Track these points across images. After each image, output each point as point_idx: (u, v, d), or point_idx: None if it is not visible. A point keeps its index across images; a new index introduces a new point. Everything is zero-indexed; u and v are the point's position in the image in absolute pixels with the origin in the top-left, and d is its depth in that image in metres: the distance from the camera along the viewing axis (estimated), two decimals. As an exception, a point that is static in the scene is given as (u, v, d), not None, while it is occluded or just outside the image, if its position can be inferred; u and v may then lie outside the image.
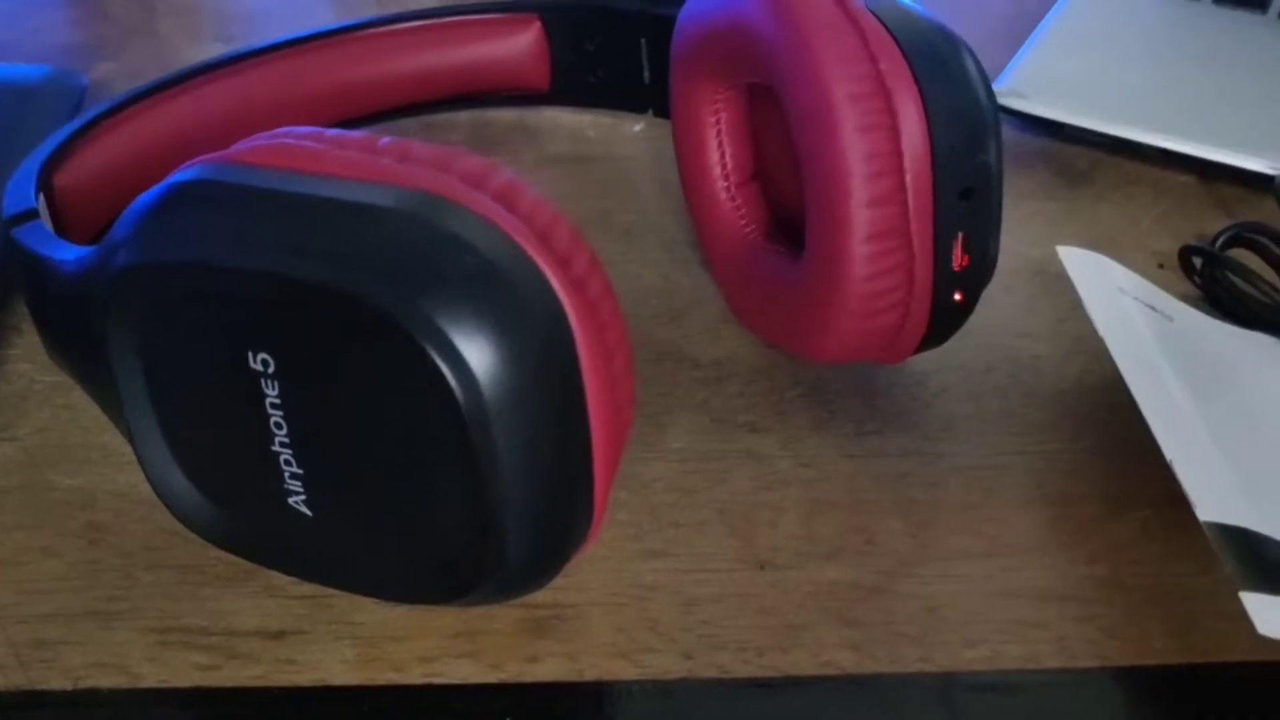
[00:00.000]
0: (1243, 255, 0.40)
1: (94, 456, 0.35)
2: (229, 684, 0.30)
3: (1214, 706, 0.30)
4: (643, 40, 0.45)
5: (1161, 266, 0.42)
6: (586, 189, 0.45)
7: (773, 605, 0.32)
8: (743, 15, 0.33)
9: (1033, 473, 0.35)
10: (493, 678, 0.30)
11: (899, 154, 0.31)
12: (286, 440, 0.27)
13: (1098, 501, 0.34)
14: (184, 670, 0.30)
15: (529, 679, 0.30)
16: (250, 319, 0.26)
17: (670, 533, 0.33)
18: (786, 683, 0.30)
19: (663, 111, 0.41)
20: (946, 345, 0.35)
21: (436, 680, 0.30)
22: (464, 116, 0.48)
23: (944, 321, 0.33)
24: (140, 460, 0.29)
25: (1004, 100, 0.47)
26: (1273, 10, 0.51)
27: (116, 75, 0.51)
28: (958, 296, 0.33)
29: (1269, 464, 0.32)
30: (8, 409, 0.37)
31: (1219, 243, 0.40)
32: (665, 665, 0.30)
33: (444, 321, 0.24)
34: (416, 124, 0.46)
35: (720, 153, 0.39)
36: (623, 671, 0.30)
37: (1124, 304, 0.36)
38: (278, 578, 0.31)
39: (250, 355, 0.26)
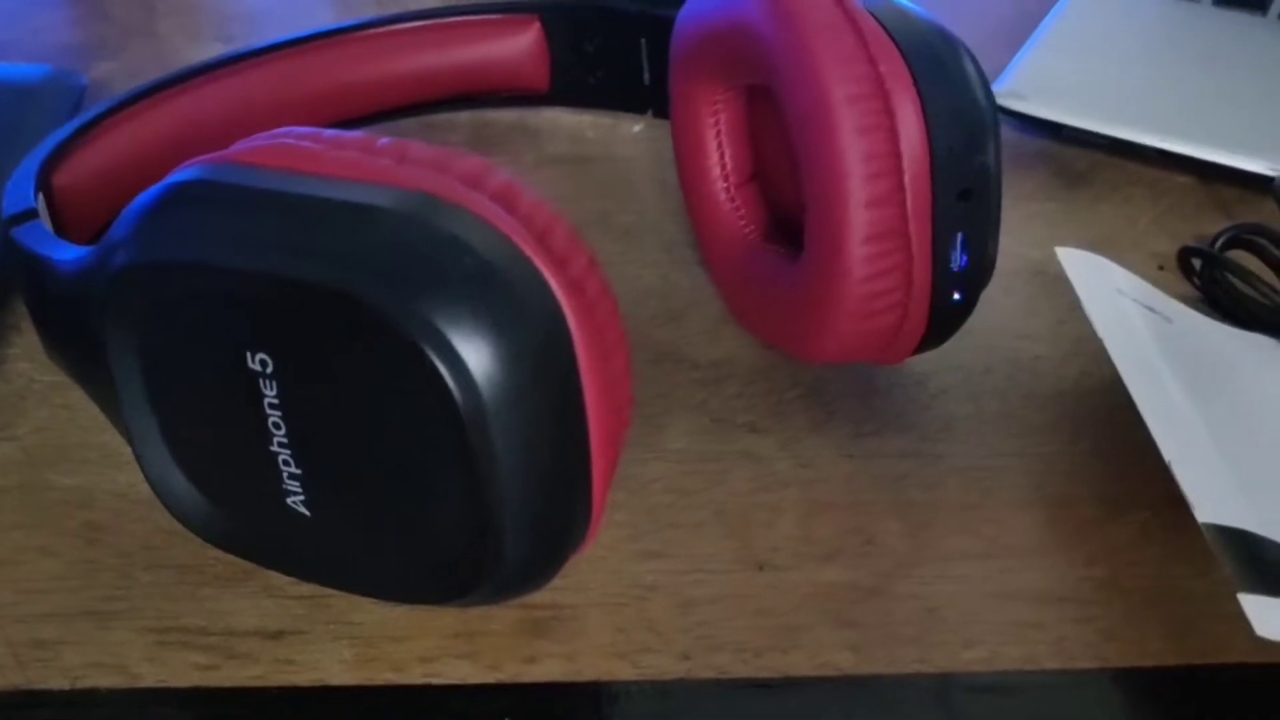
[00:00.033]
0: (1242, 257, 0.40)
1: (92, 456, 0.35)
2: (227, 684, 0.30)
3: (1212, 708, 0.30)
4: (642, 41, 0.45)
5: (1161, 268, 0.42)
6: (586, 189, 0.45)
7: (771, 606, 0.32)
8: (742, 16, 0.33)
9: (1031, 474, 0.35)
10: (491, 678, 0.30)
11: (897, 155, 0.31)
12: (285, 440, 0.27)
13: (1096, 503, 0.34)
14: (182, 670, 0.30)
15: (527, 679, 0.30)
16: (248, 319, 0.26)
17: (668, 533, 0.33)
18: (784, 683, 0.30)
19: (662, 112, 0.41)
20: (946, 346, 0.35)
21: (435, 680, 0.30)
22: (464, 117, 0.48)
23: (942, 322, 0.33)
24: (139, 460, 0.29)
25: (1003, 101, 0.47)
26: (1273, 11, 0.51)
27: (116, 75, 0.51)
28: (956, 297, 0.33)
29: (1268, 465, 0.32)
30: (6, 408, 0.37)
31: (1218, 244, 0.40)
32: (663, 666, 0.30)
33: (442, 322, 0.24)
34: (417, 124, 0.46)
35: (719, 153, 0.39)
36: (621, 672, 0.30)
37: (1123, 305, 0.36)
38: (276, 578, 0.31)
39: (249, 355, 0.26)
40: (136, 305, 0.27)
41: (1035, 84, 0.48)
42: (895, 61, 0.31)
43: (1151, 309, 0.36)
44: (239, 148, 0.27)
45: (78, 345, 0.30)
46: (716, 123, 0.38)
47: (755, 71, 0.34)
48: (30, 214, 0.33)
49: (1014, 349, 0.39)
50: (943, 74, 0.31)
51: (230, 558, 0.30)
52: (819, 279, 0.32)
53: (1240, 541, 0.29)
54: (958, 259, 0.32)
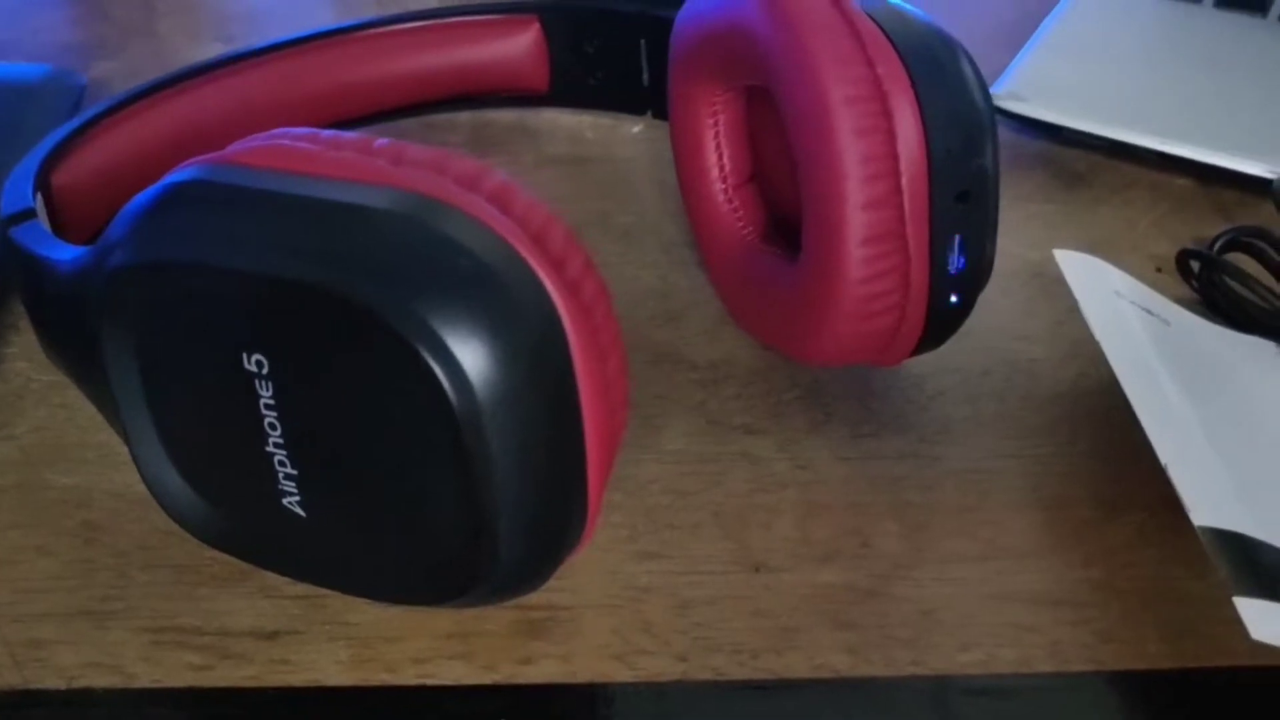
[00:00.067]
0: (1240, 259, 0.40)
1: (90, 456, 0.35)
2: (223, 684, 0.30)
3: (1208, 711, 0.30)
4: (642, 42, 0.45)
5: (1159, 270, 0.42)
6: (585, 190, 0.45)
7: (767, 608, 0.32)
8: (740, 17, 0.33)
9: (1029, 476, 0.35)
10: (486, 679, 0.30)
11: (895, 157, 0.31)
12: (281, 441, 0.27)
13: (1093, 505, 0.34)
14: (178, 670, 0.30)
15: (522, 680, 0.30)
16: (245, 320, 0.26)
17: (665, 534, 0.33)
18: (781, 685, 0.30)
19: (662, 113, 0.41)
20: (944, 348, 0.35)
21: (430, 681, 0.30)
22: (463, 117, 0.48)
23: (940, 324, 0.33)
24: (135, 460, 0.29)
25: (1003, 103, 0.47)
26: (1273, 13, 0.51)
27: (116, 74, 0.51)
28: (954, 299, 0.33)
29: (1264, 468, 0.32)
30: (4, 408, 0.37)
31: (1216, 246, 0.40)
32: (659, 667, 0.30)
33: (437, 323, 0.24)
34: (416, 125, 0.46)
35: (718, 155, 0.39)
36: (617, 674, 0.30)
37: (1120, 308, 0.36)
38: (273, 578, 0.31)
39: (245, 356, 0.26)
40: (133, 305, 0.27)
41: (1035, 85, 0.47)
42: (893, 63, 0.31)
43: (1149, 311, 0.36)
44: (236, 148, 0.27)
45: (75, 345, 0.30)
46: (715, 124, 0.38)
47: (753, 73, 0.34)
48: (28, 214, 0.33)
49: (1012, 351, 0.39)
50: (941, 76, 0.31)
51: (226, 558, 0.30)
52: (816, 280, 0.32)
53: (1236, 545, 0.29)
54: (955, 261, 0.32)
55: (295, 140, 0.27)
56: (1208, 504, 0.30)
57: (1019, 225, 0.43)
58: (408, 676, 0.30)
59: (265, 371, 0.26)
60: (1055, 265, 0.36)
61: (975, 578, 0.32)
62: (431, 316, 0.24)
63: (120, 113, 0.40)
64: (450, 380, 0.24)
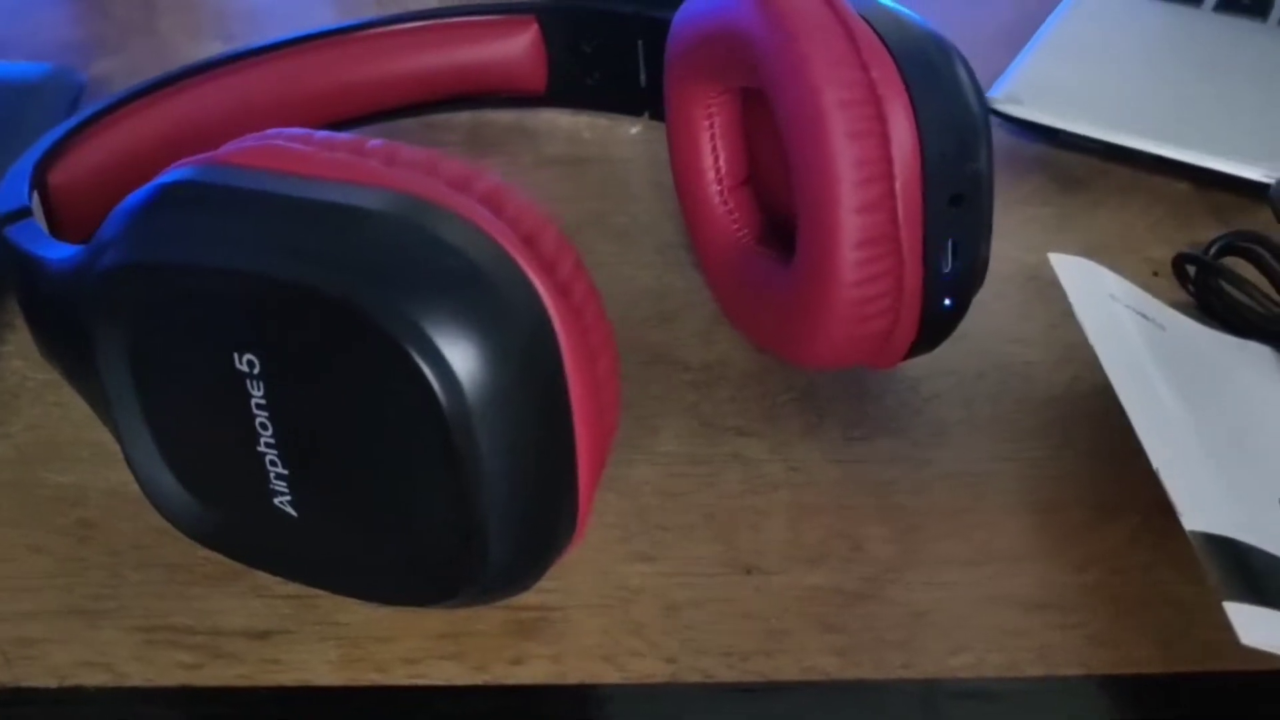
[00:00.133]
0: (1237, 264, 0.40)
1: (84, 454, 0.35)
2: (214, 683, 0.30)
3: (1198, 716, 0.30)
4: (639, 43, 0.45)
5: (1156, 274, 0.42)
6: (583, 191, 0.45)
7: (757, 610, 0.32)
8: (735, 19, 0.33)
9: (1022, 479, 0.35)
10: (476, 679, 0.30)
11: (889, 160, 0.31)
12: (272, 441, 0.27)
13: (1086, 509, 0.34)
14: (169, 669, 0.30)
15: (513, 681, 0.30)
16: (236, 320, 0.26)
17: (657, 536, 0.33)
18: (770, 688, 0.30)
19: (659, 114, 0.41)
20: (938, 351, 0.35)
21: (420, 681, 0.30)
22: (461, 118, 0.48)
23: (934, 328, 0.33)
24: (128, 459, 0.29)
25: (1001, 106, 0.47)
26: (1273, 18, 0.51)
27: (116, 73, 0.51)
28: (947, 303, 0.33)
29: (1257, 474, 0.32)
30: (0, 406, 0.37)
31: (1212, 251, 0.40)
32: (649, 669, 0.30)
33: (427, 324, 0.24)
34: (415, 125, 0.46)
35: (714, 156, 0.39)
36: (606, 675, 0.30)
37: (1115, 311, 0.36)
38: (265, 578, 0.31)
39: (236, 356, 0.26)
40: (125, 305, 0.27)
41: (1033, 88, 0.47)
42: (887, 66, 0.31)
43: (1144, 315, 0.36)
44: (229, 148, 0.27)
45: (68, 344, 0.30)
46: (711, 125, 0.38)
47: (748, 75, 0.34)
48: (24, 212, 0.33)
49: (1007, 354, 0.39)
50: (935, 79, 0.31)
51: (219, 557, 0.30)
52: (810, 283, 0.32)
53: (1227, 550, 0.29)
54: (949, 264, 0.32)
55: (288, 141, 0.27)
56: (1199, 508, 0.30)
57: (1016, 228, 0.43)
58: (398, 676, 0.30)
59: (257, 371, 0.26)
60: (1051, 269, 0.36)
61: (966, 581, 0.32)
62: (422, 317, 0.24)
63: (118, 111, 0.40)
64: (440, 381, 0.24)
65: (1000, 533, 0.34)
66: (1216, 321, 0.39)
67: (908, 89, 0.31)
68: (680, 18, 0.37)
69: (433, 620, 0.31)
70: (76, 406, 0.32)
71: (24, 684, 0.30)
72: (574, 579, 0.32)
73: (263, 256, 0.25)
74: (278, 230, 0.25)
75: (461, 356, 0.25)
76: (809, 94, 0.31)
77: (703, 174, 0.39)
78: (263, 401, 0.27)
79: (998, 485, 0.35)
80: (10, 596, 0.32)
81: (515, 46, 0.46)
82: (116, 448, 0.29)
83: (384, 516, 0.27)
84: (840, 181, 0.31)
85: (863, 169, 0.31)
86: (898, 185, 0.31)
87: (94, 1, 0.56)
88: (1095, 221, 0.44)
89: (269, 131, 0.28)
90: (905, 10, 0.33)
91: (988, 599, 0.32)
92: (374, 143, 0.27)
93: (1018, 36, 0.51)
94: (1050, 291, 0.40)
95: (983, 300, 0.34)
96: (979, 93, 0.32)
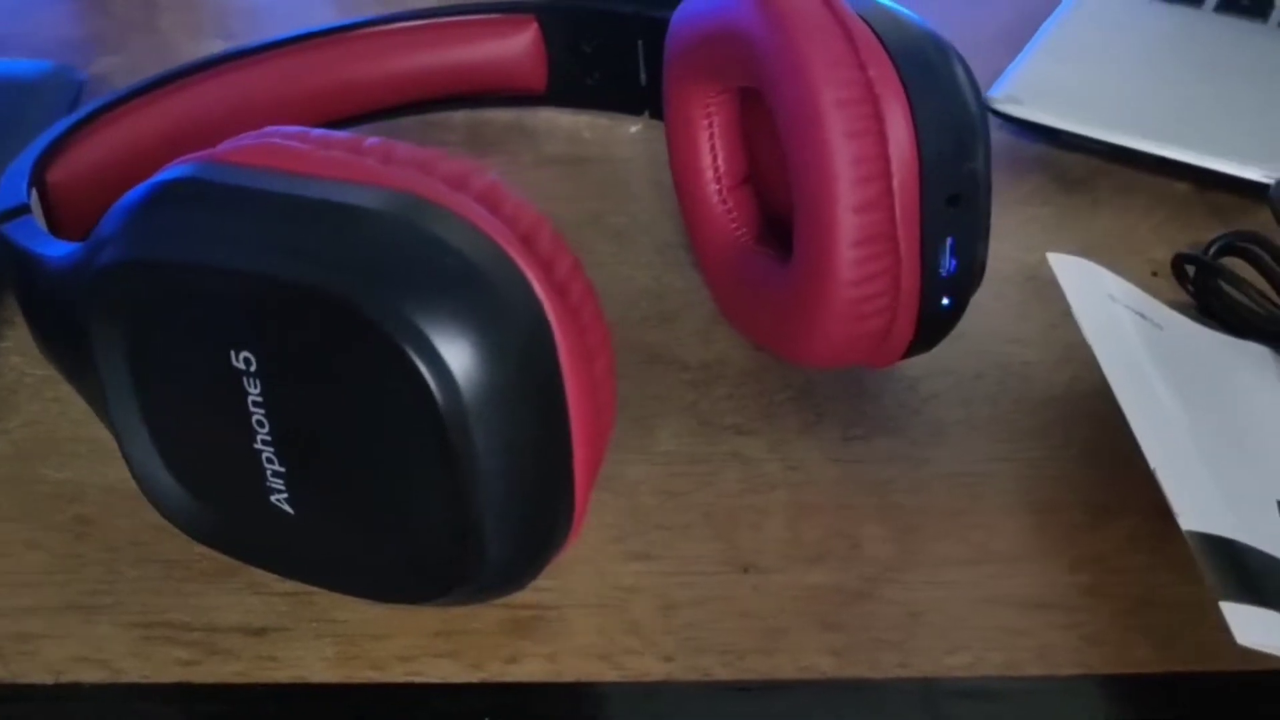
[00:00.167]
0: (1236, 264, 0.40)
1: (82, 450, 0.35)
2: (210, 680, 0.30)
3: (1194, 716, 0.30)
4: (639, 42, 0.45)
5: (1155, 274, 0.42)
6: (582, 190, 0.45)
7: (755, 609, 0.32)
8: (733, 18, 0.33)
9: (1020, 479, 0.35)
10: (472, 677, 0.30)
11: (886, 159, 0.31)
12: (268, 439, 0.27)
13: (1084, 509, 0.34)
14: (165, 666, 0.30)
15: (509, 679, 0.30)
16: (233, 318, 0.26)
17: (654, 535, 0.33)
18: (767, 686, 0.30)
19: (659, 113, 0.41)
20: (937, 350, 0.35)
21: (416, 679, 0.30)
22: (461, 117, 0.48)
23: (931, 327, 0.33)
24: (125, 456, 0.29)
25: (1001, 106, 0.47)
26: (1273, 19, 0.51)
27: (117, 71, 0.51)
28: (945, 302, 0.33)
29: (1254, 474, 0.32)
30: (-1, 402, 0.37)
31: (1212, 251, 0.40)
32: (645, 667, 0.30)
33: (423, 323, 0.24)
34: (414, 124, 0.46)
35: (712, 156, 0.39)
36: (603, 673, 0.30)
37: (1114, 312, 0.36)
38: (262, 574, 0.31)
39: (233, 353, 0.26)
40: (122, 302, 0.27)
41: (1033, 89, 0.47)
42: (885, 66, 0.31)
43: (1143, 315, 0.36)
44: (226, 147, 0.27)
45: (66, 341, 0.30)
46: (710, 125, 0.38)
47: (746, 74, 0.34)
48: (22, 209, 0.33)
49: (1005, 354, 0.39)
50: (932, 79, 0.31)
51: (216, 554, 0.30)
52: (807, 282, 0.32)
53: (1224, 550, 0.29)
54: (947, 264, 0.32)
55: (285, 139, 0.27)
56: (1196, 509, 0.30)
57: (1016, 228, 0.43)
58: (394, 674, 0.30)
59: (253, 369, 0.26)
60: (1050, 269, 0.36)
61: (965, 581, 0.32)
62: (418, 316, 0.24)
63: (118, 109, 0.41)
64: (436, 379, 0.24)
65: (998, 533, 0.34)
66: (1215, 322, 0.39)
67: (905, 88, 0.31)
68: (679, 18, 0.37)
69: (429, 618, 0.31)
70: (74, 403, 0.32)
71: (20, 680, 0.30)
72: (571, 578, 0.32)
73: (259, 255, 0.25)
74: (274, 228, 0.25)
75: (458, 355, 0.25)
76: (807, 93, 0.31)
77: (701, 173, 0.39)
78: (259, 399, 0.27)
79: (996, 485, 0.35)
80: (7, 592, 0.32)
81: (515, 46, 0.46)
82: (114, 444, 0.29)
83: (380, 514, 0.27)
84: (838, 180, 0.31)
85: (860, 168, 0.31)
86: (895, 184, 0.31)
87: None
88: (1095, 222, 0.44)
89: (266, 129, 0.28)
90: (903, 10, 0.33)
91: (986, 599, 0.32)
92: (371, 141, 0.27)
93: (1018, 37, 0.51)
94: (1049, 292, 0.40)
95: (982, 300, 0.34)
96: (977, 92, 0.32)
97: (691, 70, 0.37)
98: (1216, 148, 0.45)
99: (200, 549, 0.30)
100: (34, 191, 0.36)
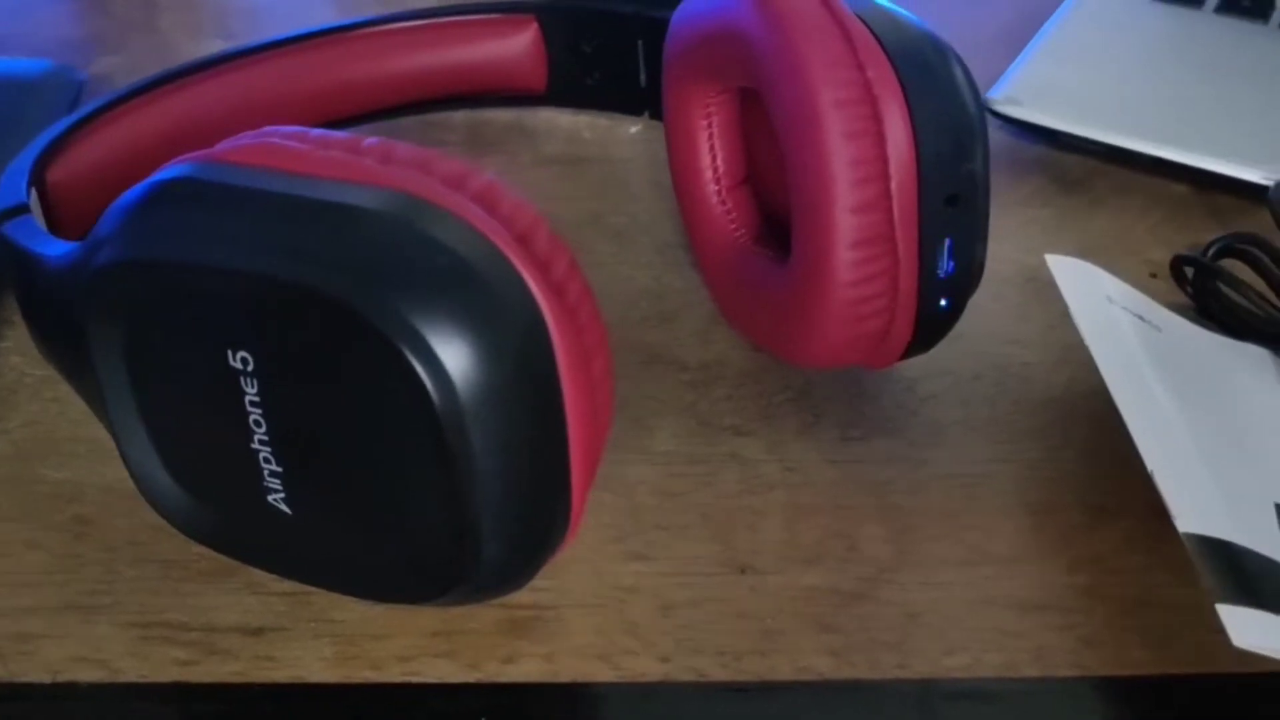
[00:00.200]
0: (1235, 266, 0.40)
1: (81, 450, 0.35)
2: (208, 680, 0.30)
3: (1192, 717, 0.30)
4: (639, 42, 0.45)
5: (1154, 276, 0.42)
6: (582, 190, 0.45)
7: (752, 610, 0.32)
8: (732, 19, 0.34)
9: (1017, 480, 0.35)
10: (470, 677, 0.30)
11: (884, 160, 0.31)
12: (265, 438, 0.27)
13: (1081, 511, 0.34)
14: (163, 665, 0.30)
15: (506, 679, 0.30)
16: (230, 317, 0.26)
17: (652, 535, 0.33)
18: (764, 687, 0.30)
19: (659, 114, 0.41)
20: (935, 351, 0.35)
21: (414, 679, 0.30)
22: (461, 116, 0.48)
23: (929, 328, 0.33)
24: (123, 456, 0.29)
25: (1000, 107, 0.47)
26: (1274, 20, 0.51)
27: (117, 70, 0.51)
28: (943, 303, 0.33)
29: (1252, 476, 0.32)
30: (-2, 402, 0.37)
31: (1210, 253, 0.40)
32: (642, 668, 0.30)
33: (420, 323, 0.24)
34: (414, 124, 0.47)
35: (712, 156, 0.39)
36: (600, 673, 0.30)
37: (1112, 313, 0.36)
38: (259, 575, 0.31)
39: (230, 353, 0.26)
40: (119, 302, 0.27)
41: (1033, 90, 0.47)
42: (883, 67, 0.31)
43: (1141, 317, 0.36)
44: (224, 146, 0.27)
45: (64, 341, 0.30)
46: (709, 125, 0.38)
47: (745, 75, 0.34)
48: (21, 209, 0.33)
49: (1004, 355, 0.39)
50: (931, 80, 0.31)
51: (214, 554, 0.30)
52: (805, 283, 0.32)
53: (1221, 552, 0.29)
54: (945, 265, 0.32)
55: (283, 139, 0.27)
56: (1193, 511, 0.30)
57: (1015, 230, 0.43)
58: (392, 674, 0.30)
59: (250, 369, 0.26)
60: (1049, 270, 0.36)
61: (961, 582, 0.32)
62: (414, 316, 0.24)
63: (118, 109, 0.41)
64: (433, 379, 0.24)
65: (996, 534, 0.34)
66: (1214, 324, 0.39)
67: (903, 89, 0.31)
68: (678, 18, 0.37)
69: (426, 618, 0.31)
70: (73, 403, 0.32)
71: (18, 679, 0.30)
72: (568, 578, 0.32)
73: (256, 254, 0.25)
74: (272, 228, 0.26)
75: (454, 355, 0.25)
76: (805, 94, 0.31)
77: (700, 174, 0.39)
78: (256, 399, 0.27)
79: (994, 486, 0.35)
80: (6, 592, 0.32)
81: (515, 46, 0.46)
82: (113, 445, 0.29)
83: (378, 514, 0.27)
84: (836, 181, 0.31)
85: (858, 169, 0.31)
86: (893, 185, 0.31)
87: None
88: (1094, 223, 0.44)
89: (265, 129, 0.28)
90: (902, 11, 0.33)
91: (983, 600, 0.32)
92: (369, 141, 0.27)
93: (1017, 37, 0.51)
94: (1048, 293, 0.40)
95: (981, 301, 0.34)
96: (975, 93, 0.32)
97: (691, 70, 0.37)
98: (1216, 149, 0.45)
99: (198, 549, 0.30)
100: (33, 191, 0.36)
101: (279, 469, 0.27)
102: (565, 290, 0.26)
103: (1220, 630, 0.27)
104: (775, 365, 0.38)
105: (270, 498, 0.28)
